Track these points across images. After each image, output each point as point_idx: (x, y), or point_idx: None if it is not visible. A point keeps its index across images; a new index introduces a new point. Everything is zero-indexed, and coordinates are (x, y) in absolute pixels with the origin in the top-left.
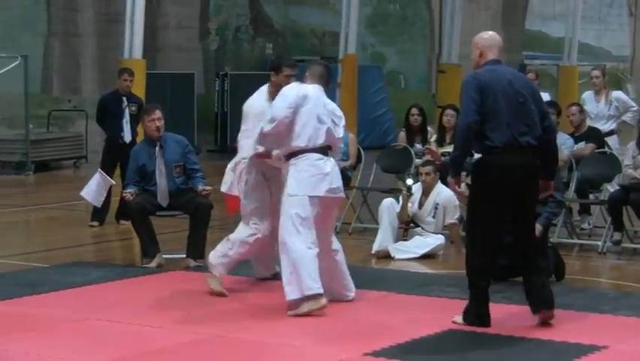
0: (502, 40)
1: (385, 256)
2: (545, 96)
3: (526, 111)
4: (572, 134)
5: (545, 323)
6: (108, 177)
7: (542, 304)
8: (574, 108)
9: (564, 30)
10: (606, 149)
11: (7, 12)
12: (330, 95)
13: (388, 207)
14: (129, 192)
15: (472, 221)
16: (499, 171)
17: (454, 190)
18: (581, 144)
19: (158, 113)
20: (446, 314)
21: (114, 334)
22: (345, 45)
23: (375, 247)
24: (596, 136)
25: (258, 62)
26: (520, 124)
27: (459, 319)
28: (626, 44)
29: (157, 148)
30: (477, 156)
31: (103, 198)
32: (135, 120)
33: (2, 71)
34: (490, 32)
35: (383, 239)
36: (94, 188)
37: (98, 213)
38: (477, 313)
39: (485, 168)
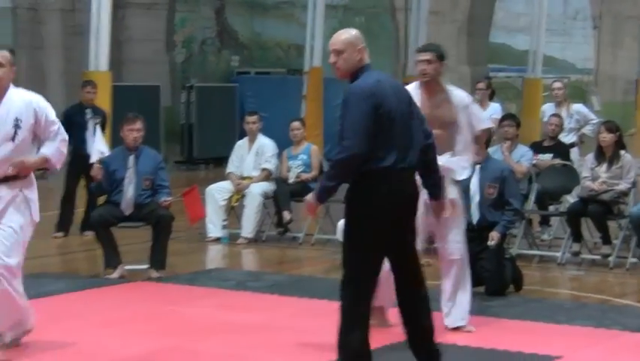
0: (467, 52)
1: None
2: (496, 107)
3: (410, 130)
4: (540, 144)
5: None
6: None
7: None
8: (555, 119)
9: (528, 43)
10: (567, 162)
11: None
12: (296, 107)
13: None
14: (98, 166)
15: (349, 257)
16: (383, 201)
17: (309, 209)
18: (548, 156)
19: (138, 125)
20: None
21: (72, 345)
22: (310, 57)
23: None
24: (564, 150)
25: (224, 74)
26: (407, 146)
27: None
28: (591, 57)
29: (132, 157)
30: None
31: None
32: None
33: None
34: (349, 31)
35: None
36: (97, 144)
37: (62, 224)
38: None
39: (368, 194)
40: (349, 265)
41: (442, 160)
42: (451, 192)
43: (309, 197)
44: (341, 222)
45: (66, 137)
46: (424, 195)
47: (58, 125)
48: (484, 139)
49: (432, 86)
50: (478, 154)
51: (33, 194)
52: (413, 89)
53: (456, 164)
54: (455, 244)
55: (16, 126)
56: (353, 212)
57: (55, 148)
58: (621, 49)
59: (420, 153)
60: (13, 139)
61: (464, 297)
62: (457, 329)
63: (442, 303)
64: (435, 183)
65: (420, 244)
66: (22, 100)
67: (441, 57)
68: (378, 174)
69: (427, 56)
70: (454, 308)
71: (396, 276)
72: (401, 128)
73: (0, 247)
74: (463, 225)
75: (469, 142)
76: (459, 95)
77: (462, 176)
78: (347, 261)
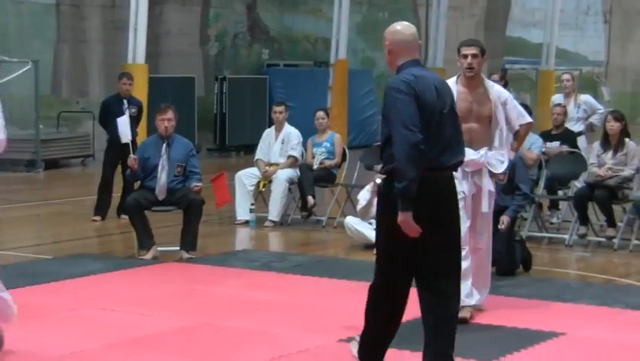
0: (485, 46)
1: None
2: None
3: (453, 126)
4: (549, 133)
5: None
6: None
7: None
8: (558, 109)
9: (543, 36)
10: (575, 149)
11: (19, 20)
12: (322, 97)
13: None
14: (133, 157)
15: (378, 261)
16: (426, 200)
17: (408, 231)
18: (556, 143)
19: (169, 114)
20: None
21: (108, 321)
22: (336, 50)
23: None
24: (572, 138)
25: (255, 66)
26: (452, 143)
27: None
28: (601, 50)
29: (164, 145)
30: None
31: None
32: (136, 121)
33: (14, 75)
34: (403, 23)
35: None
36: (123, 129)
37: (100, 208)
38: None
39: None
40: (378, 256)
41: (480, 153)
42: (489, 185)
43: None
44: (361, 195)
45: (3, 135)
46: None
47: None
48: (524, 134)
49: (475, 80)
50: (514, 149)
51: None
52: (452, 84)
53: (494, 158)
54: (481, 235)
55: None
56: (383, 213)
57: None
58: (631, 42)
59: None
60: None
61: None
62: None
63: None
64: None
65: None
66: None
67: (483, 52)
68: (429, 172)
69: (473, 50)
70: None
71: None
72: (444, 126)
73: None
74: (490, 218)
75: (505, 137)
76: (498, 90)
77: (499, 170)
78: (378, 252)
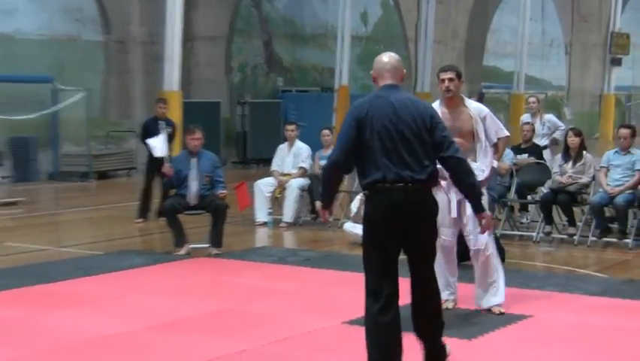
0: (465, 73)
1: None
2: None
3: (410, 144)
4: (519, 146)
5: None
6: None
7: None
8: (527, 126)
9: (514, 65)
10: (541, 160)
11: (74, 55)
12: (328, 117)
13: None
14: (169, 166)
15: (363, 260)
16: (379, 209)
17: (322, 216)
18: (525, 155)
19: (197, 135)
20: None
21: (147, 307)
22: (339, 78)
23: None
24: (538, 151)
25: (271, 92)
26: (406, 159)
27: None
28: (563, 76)
29: (194, 160)
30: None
31: (166, 151)
32: (170, 139)
33: (70, 101)
34: (387, 54)
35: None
36: (157, 142)
37: (142, 212)
38: None
39: (368, 207)
40: (363, 256)
41: None
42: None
43: (318, 205)
44: (353, 204)
45: None
46: (457, 196)
47: None
48: (502, 146)
49: (453, 100)
50: (497, 159)
51: None
52: (437, 106)
53: (476, 169)
54: (480, 236)
55: None
56: (364, 216)
57: None
58: (588, 70)
59: (443, 165)
60: None
61: (495, 281)
62: (489, 310)
63: (476, 286)
64: (467, 195)
65: (451, 237)
66: None
67: (459, 76)
68: (372, 187)
69: (449, 74)
70: (484, 293)
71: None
72: (393, 147)
73: None
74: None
75: (486, 148)
76: (477, 107)
77: (479, 178)
78: (364, 261)
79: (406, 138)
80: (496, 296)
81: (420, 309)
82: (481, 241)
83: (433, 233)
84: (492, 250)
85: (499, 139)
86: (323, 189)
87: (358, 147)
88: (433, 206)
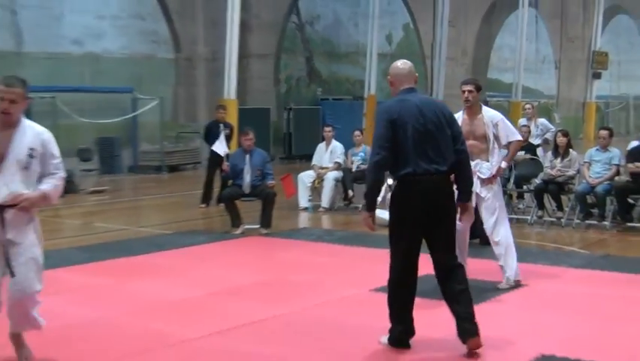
0: None
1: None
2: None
3: (438, 140)
4: None
5: (472, 353)
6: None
7: (468, 335)
8: (524, 128)
9: (513, 78)
10: (535, 157)
11: (150, 70)
12: (359, 121)
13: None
14: (227, 165)
15: (390, 240)
16: (408, 197)
17: (367, 225)
18: (522, 153)
19: (250, 135)
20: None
21: (209, 277)
22: (368, 88)
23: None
24: (533, 149)
25: (312, 100)
26: (430, 153)
27: (384, 339)
28: (554, 87)
29: (247, 156)
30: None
31: (227, 150)
32: (228, 140)
33: (147, 107)
34: (402, 61)
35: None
36: (219, 145)
37: (205, 199)
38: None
39: (398, 195)
40: (390, 241)
41: (474, 163)
42: (477, 187)
43: (363, 215)
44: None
45: (64, 174)
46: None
47: (58, 161)
48: (514, 148)
49: (472, 109)
50: (508, 160)
51: (37, 223)
52: (460, 114)
53: (485, 168)
54: (493, 228)
55: (30, 156)
56: (391, 205)
57: (54, 185)
58: (574, 82)
59: (454, 166)
60: (27, 168)
61: (510, 262)
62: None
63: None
64: (464, 185)
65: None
66: (33, 131)
67: (478, 88)
68: (404, 178)
69: (469, 87)
70: (508, 268)
71: (432, 257)
72: (422, 142)
73: (30, 275)
74: (500, 213)
75: (496, 150)
76: (491, 115)
77: (485, 175)
78: (390, 243)
79: (431, 134)
80: (506, 273)
81: (447, 279)
82: (497, 231)
83: (454, 212)
84: (501, 238)
85: (510, 143)
86: (369, 190)
87: (393, 147)
88: (453, 191)
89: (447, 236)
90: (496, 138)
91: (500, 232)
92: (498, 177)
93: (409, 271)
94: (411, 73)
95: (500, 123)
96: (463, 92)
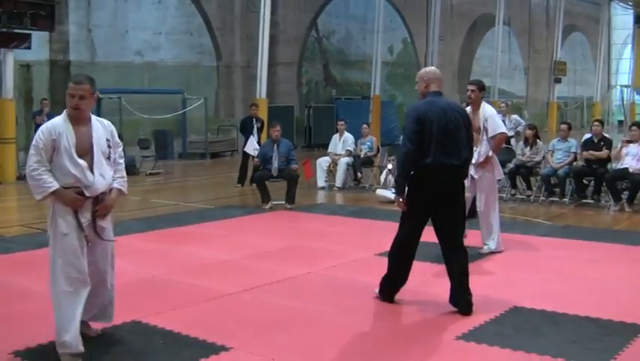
0: (458, 88)
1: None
2: None
3: (455, 138)
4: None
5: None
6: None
7: (462, 310)
8: None
9: (491, 81)
10: (509, 146)
11: (196, 75)
12: (366, 117)
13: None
14: (257, 160)
15: (403, 215)
16: (426, 183)
17: (399, 206)
18: None
19: (278, 128)
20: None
21: (244, 243)
22: (374, 90)
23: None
24: (507, 140)
25: (328, 99)
26: (448, 149)
27: (376, 290)
28: (523, 89)
29: (275, 145)
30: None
31: (257, 150)
32: (259, 132)
33: (194, 105)
34: (433, 67)
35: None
36: (250, 145)
37: (240, 180)
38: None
39: (416, 182)
40: (402, 216)
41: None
42: (470, 170)
43: (395, 198)
44: (382, 176)
45: (123, 161)
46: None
47: (121, 148)
48: (498, 141)
49: (474, 105)
50: (494, 150)
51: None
52: (468, 110)
53: (475, 152)
54: (482, 205)
55: (109, 146)
56: (410, 189)
57: (124, 181)
58: (539, 86)
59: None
60: (109, 157)
61: (495, 236)
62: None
63: (482, 237)
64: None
65: (468, 193)
66: (102, 124)
67: (481, 88)
68: (422, 168)
69: (472, 87)
70: (490, 240)
71: (438, 236)
72: (444, 139)
73: (112, 262)
74: (489, 197)
75: (484, 141)
76: (485, 110)
77: (475, 160)
78: (402, 217)
79: (451, 133)
80: (490, 241)
81: (450, 255)
82: (481, 203)
83: (463, 202)
84: (494, 209)
85: (494, 135)
86: (399, 176)
87: (420, 140)
88: (464, 184)
89: (455, 221)
90: (486, 130)
91: (490, 213)
92: (495, 167)
93: (413, 237)
94: (440, 79)
95: (489, 118)
96: (467, 90)
